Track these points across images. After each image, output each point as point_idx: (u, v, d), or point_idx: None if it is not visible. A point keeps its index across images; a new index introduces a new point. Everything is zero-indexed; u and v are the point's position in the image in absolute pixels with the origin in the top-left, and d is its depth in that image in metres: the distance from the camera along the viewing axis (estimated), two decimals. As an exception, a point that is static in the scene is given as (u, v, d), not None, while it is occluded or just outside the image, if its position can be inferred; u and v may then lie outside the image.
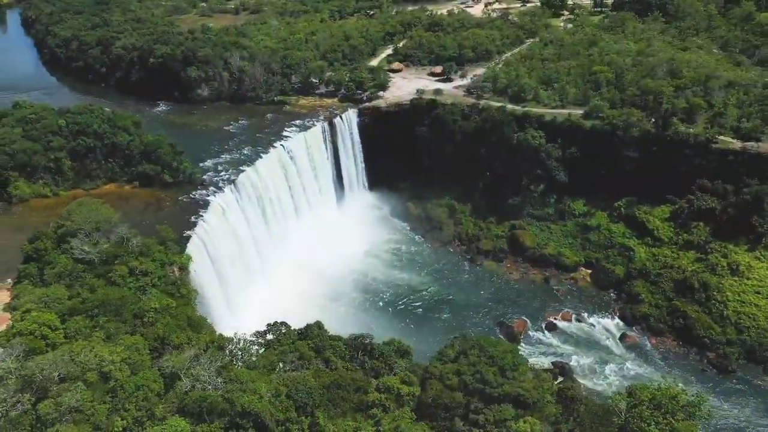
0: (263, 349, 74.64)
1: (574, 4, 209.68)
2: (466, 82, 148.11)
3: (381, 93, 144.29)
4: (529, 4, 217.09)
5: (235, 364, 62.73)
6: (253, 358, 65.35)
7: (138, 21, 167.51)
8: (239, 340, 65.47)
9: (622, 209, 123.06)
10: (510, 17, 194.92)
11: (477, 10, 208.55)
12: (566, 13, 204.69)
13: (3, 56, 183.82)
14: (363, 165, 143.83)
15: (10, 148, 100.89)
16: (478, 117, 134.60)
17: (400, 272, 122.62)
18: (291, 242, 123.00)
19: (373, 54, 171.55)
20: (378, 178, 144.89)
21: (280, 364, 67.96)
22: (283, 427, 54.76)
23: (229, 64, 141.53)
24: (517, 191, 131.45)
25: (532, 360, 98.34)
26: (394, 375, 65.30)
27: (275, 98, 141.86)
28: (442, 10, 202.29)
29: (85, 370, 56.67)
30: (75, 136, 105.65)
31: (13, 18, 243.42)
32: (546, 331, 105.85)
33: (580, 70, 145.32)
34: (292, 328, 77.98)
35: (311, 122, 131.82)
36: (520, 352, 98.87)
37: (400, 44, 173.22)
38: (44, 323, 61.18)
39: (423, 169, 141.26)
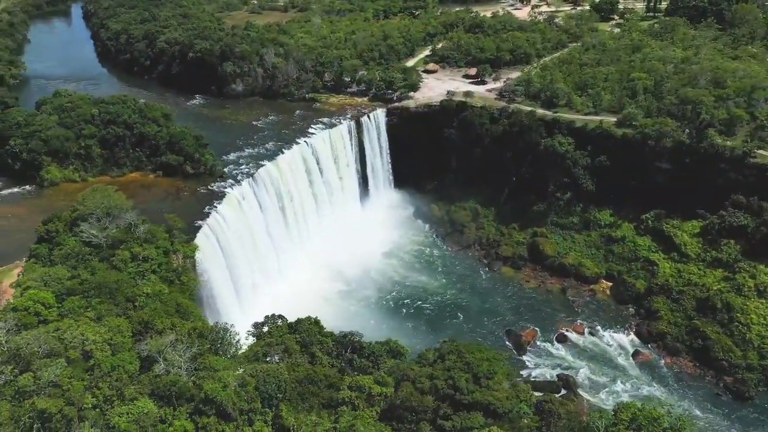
0: (255, 340, 76.54)
1: (625, 8, 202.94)
2: (499, 85, 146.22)
3: (412, 93, 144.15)
4: (579, 8, 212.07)
5: (216, 353, 64.20)
6: (232, 349, 66.63)
7: (184, 17, 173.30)
8: (220, 329, 66.90)
9: (650, 222, 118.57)
10: (556, 20, 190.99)
11: (523, 13, 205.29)
12: (616, 17, 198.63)
13: (63, 48, 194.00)
14: (390, 165, 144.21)
15: (45, 135, 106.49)
16: (506, 121, 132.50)
17: (417, 274, 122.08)
18: (310, 238, 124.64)
19: (411, 54, 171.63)
20: (404, 178, 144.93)
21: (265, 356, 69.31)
22: (246, 417, 55.78)
23: (264, 60, 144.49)
24: (543, 198, 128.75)
25: (536, 371, 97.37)
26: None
27: (306, 95, 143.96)
28: (487, 12, 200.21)
29: (68, 347, 59.37)
30: (106, 125, 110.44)
31: (77, 12, 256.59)
32: (556, 343, 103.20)
33: (618, 76, 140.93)
34: (287, 322, 79.17)
35: (338, 120, 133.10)
36: (525, 362, 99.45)
37: (439, 45, 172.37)
38: (39, 300, 64.45)
39: (450, 170, 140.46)
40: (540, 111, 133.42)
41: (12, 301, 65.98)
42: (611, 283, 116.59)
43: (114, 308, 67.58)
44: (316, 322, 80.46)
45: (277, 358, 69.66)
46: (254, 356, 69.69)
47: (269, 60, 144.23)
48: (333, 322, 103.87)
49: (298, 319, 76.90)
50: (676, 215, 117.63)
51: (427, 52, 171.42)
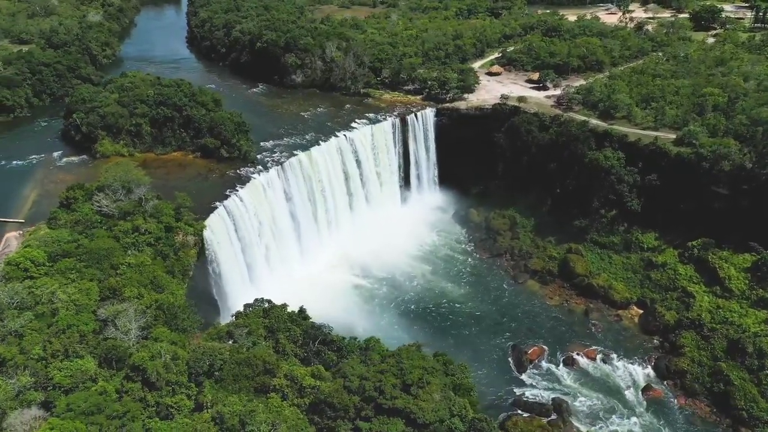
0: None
1: (727, 18, 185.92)
2: (558, 92, 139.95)
3: (466, 95, 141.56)
4: (681, 15, 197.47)
5: (169, 327, 67.47)
6: (188, 324, 69.74)
7: (266, 8, 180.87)
8: (179, 306, 70.10)
9: (696, 250, 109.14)
10: (646, 27, 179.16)
11: (614, 18, 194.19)
12: (717, 27, 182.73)
13: (161, 33, 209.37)
14: (436, 165, 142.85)
15: (102, 111, 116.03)
16: (555, 129, 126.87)
17: (442, 280, 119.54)
18: (340, 231, 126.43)
19: (480, 55, 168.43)
20: (451, 180, 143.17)
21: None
22: (171, 388, 58.58)
23: (325, 54, 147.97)
24: (586, 213, 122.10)
25: (532, 392, 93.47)
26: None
27: (361, 90, 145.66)
28: (573, 16, 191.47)
29: (38, 303, 65.30)
30: (158, 105, 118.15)
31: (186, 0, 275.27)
32: (562, 365, 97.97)
33: (690, 90, 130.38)
34: (267, 306, 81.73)
35: (383, 117, 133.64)
36: (523, 380, 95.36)
37: (510, 48, 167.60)
38: (30, 258, 71.18)
39: (497, 176, 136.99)
40: (594, 121, 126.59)
41: (9, 256, 73.38)
42: (642, 311, 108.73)
43: (98, 273, 73.09)
44: (301, 311, 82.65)
45: (237, 340, 72.37)
46: (217, 335, 72.74)
47: (329, 53, 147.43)
48: (339, 314, 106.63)
49: (272, 305, 79.01)
50: (726, 246, 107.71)
51: (497, 54, 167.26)
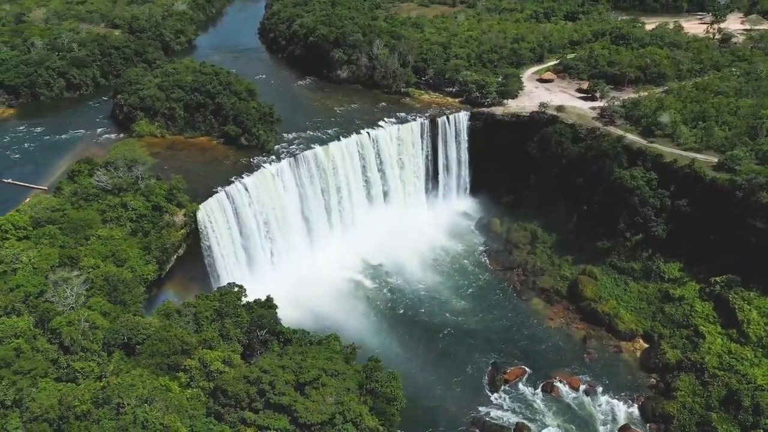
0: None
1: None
2: (605, 103, 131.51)
3: (507, 100, 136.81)
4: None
5: (110, 299, 71.56)
6: (128, 297, 73.46)
7: (333, 5, 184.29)
8: (122, 280, 73.93)
9: (718, 287, 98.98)
10: (733, 40, 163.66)
11: (700, 29, 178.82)
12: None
13: (242, 24, 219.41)
14: (468, 170, 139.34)
15: (142, 93, 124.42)
16: (587, 143, 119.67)
17: (446, 289, 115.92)
18: (355, 229, 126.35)
19: (540, 60, 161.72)
20: (483, 186, 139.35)
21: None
22: (84, 354, 62.38)
23: (371, 51, 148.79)
24: (611, 235, 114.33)
25: (497, 412, 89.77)
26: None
27: (402, 89, 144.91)
28: (653, 24, 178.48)
29: (1, 262, 71.79)
30: (192, 91, 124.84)
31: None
32: (539, 390, 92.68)
33: (750, 111, 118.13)
34: (232, 291, 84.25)
35: (413, 117, 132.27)
36: (491, 399, 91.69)
37: (571, 55, 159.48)
38: (12, 221, 78.32)
39: (527, 187, 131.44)
40: (632, 137, 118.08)
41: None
42: (648, 346, 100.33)
43: (69, 241, 79.01)
44: (267, 300, 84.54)
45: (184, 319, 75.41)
46: (165, 311, 76.10)
47: (375, 51, 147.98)
48: (331, 311, 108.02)
49: (225, 291, 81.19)
50: (754, 286, 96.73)
51: (556, 60, 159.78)
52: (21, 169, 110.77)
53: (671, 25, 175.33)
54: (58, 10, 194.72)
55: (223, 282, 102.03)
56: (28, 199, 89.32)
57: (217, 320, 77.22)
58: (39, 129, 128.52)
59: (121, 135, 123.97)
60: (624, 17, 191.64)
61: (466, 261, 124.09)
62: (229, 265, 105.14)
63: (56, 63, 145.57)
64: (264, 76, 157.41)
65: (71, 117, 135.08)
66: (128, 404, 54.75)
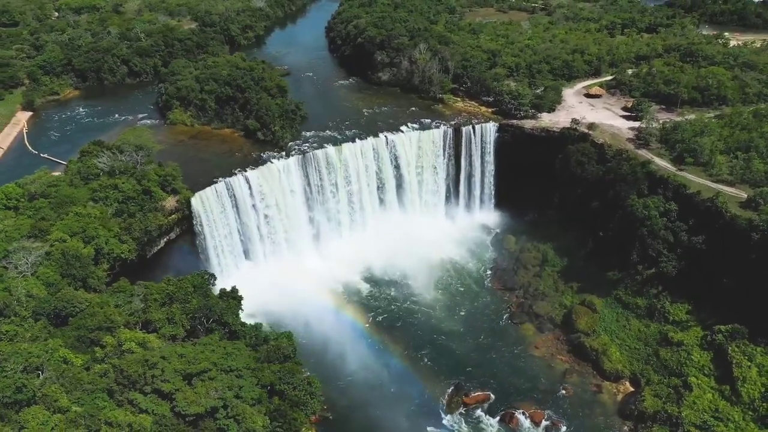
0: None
1: None
2: (643, 124, 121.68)
3: (541, 114, 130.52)
4: None
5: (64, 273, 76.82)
6: (84, 273, 78.18)
7: (395, 7, 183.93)
8: (77, 257, 78.70)
9: (720, 337, 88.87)
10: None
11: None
12: None
13: (316, 22, 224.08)
14: (493, 184, 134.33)
15: (180, 84, 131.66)
16: (606, 165, 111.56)
17: (442, 307, 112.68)
18: (364, 232, 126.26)
19: (596, 74, 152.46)
20: (507, 201, 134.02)
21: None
22: (18, 319, 67.56)
23: (412, 55, 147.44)
24: (624, 266, 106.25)
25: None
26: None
27: (438, 95, 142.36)
28: (741, 41, 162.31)
29: (-21, 228, 79.48)
30: (225, 85, 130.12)
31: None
32: (497, 419, 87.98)
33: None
34: (203, 277, 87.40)
35: (437, 124, 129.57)
36: (442, 422, 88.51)
37: (631, 70, 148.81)
38: (5, 192, 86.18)
39: (551, 205, 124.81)
40: (661, 163, 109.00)
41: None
42: (633, 389, 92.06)
43: (51, 214, 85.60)
44: (233, 290, 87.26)
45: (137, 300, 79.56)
46: (119, 289, 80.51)
47: (416, 55, 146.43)
48: (317, 311, 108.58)
49: (178, 279, 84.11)
50: (762, 340, 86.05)
51: (613, 75, 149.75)
52: (59, 148, 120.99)
53: (758, 44, 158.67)
54: (152, 2, 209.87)
55: (214, 269, 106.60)
56: (35, 173, 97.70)
57: (167, 304, 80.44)
58: (93, 111, 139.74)
59: (157, 122, 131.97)
60: (710, 32, 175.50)
61: (468, 277, 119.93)
62: (221, 254, 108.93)
63: (122, 51, 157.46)
64: (311, 73, 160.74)
65: (124, 102, 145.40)
66: (11, 369, 58.89)
